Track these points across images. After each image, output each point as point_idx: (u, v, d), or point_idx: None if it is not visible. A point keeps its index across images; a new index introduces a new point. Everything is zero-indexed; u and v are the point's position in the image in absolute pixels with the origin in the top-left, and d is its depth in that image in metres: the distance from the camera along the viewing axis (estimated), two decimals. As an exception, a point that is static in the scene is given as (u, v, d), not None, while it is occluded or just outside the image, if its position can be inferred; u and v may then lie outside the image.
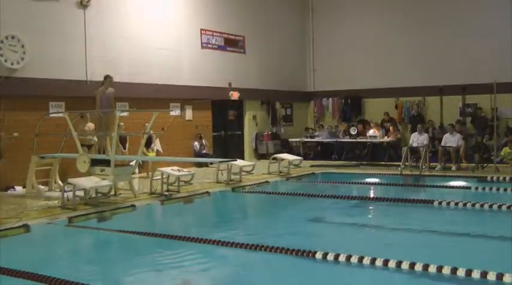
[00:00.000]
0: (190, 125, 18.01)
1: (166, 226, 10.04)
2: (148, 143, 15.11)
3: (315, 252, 7.05)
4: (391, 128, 19.54)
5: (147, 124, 14.20)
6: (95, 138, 13.81)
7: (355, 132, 19.86)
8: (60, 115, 13.04)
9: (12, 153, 13.00)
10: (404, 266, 6.42)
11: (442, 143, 16.32)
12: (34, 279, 6.29)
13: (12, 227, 8.81)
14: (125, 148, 14.92)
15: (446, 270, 6.20)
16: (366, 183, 14.40)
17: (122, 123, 14.77)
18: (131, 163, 12.84)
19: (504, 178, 13.61)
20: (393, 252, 6.94)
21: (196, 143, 17.88)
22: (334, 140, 20.07)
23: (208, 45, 18.66)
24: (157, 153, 15.78)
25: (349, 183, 14.21)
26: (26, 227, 8.90)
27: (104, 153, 12.64)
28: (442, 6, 20.26)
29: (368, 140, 19.29)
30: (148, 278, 6.78)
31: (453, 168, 15.61)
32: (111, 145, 11.80)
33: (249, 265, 7.34)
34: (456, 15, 19.96)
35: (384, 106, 21.04)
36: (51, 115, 13.63)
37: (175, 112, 17.08)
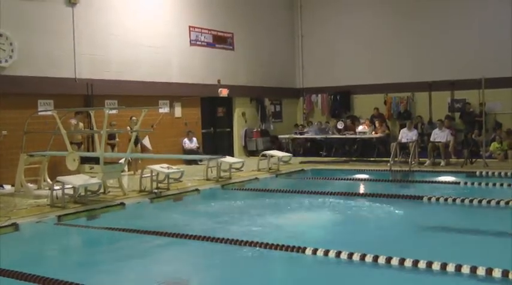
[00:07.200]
0: (179, 122, 17.97)
1: (156, 224, 9.98)
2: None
3: (305, 248, 7.07)
4: (377, 123, 19.47)
5: (134, 117, 14.23)
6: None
7: (342, 126, 19.82)
8: (49, 113, 12.97)
9: (1, 151, 12.97)
10: (394, 262, 6.45)
11: (431, 139, 16.36)
12: (23, 278, 6.26)
13: (0, 225, 8.77)
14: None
15: (436, 266, 6.23)
16: (356, 179, 14.44)
17: (114, 122, 14.78)
18: (120, 161, 12.80)
19: (493, 173, 13.71)
20: (383, 249, 6.95)
21: (186, 140, 17.84)
22: (324, 136, 20.07)
23: (197, 42, 18.62)
24: (147, 150, 15.73)
25: (339, 179, 14.23)
26: (15, 226, 8.87)
27: None
28: (431, 2, 20.31)
29: (357, 136, 19.32)
30: (138, 276, 6.77)
31: (442, 163, 15.67)
32: (100, 142, 11.76)
33: (239, 261, 7.32)
34: (445, 11, 20.04)
35: (372, 102, 21.06)
36: (40, 113, 13.57)
37: (164, 109, 17.05)
